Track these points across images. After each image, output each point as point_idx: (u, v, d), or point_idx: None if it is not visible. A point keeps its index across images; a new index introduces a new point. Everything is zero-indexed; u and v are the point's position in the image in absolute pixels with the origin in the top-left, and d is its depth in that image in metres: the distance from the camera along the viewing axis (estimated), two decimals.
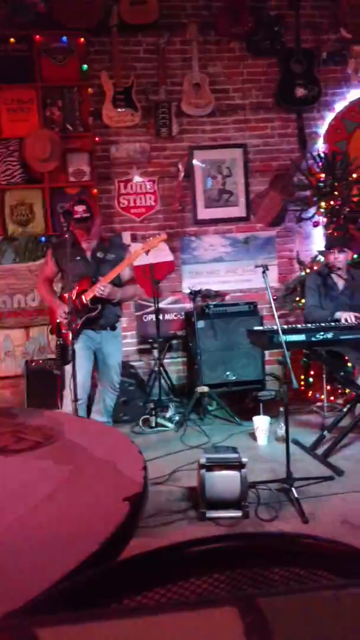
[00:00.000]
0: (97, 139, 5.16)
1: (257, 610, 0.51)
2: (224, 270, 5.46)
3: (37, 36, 4.94)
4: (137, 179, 5.31)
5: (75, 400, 3.33)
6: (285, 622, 0.49)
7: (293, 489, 3.11)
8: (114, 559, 1.01)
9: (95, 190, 5.14)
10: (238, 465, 2.99)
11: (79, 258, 3.78)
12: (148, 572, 0.66)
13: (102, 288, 3.67)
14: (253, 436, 4.24)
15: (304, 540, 0.70)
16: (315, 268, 4.85)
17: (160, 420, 4.63)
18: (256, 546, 0.77)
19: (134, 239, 5.26)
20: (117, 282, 3.80)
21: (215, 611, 0.51)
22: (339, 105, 5.50)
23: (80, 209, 3.69)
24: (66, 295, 3.58)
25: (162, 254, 5.21)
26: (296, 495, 3.07)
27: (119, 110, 5.14)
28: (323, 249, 4.58)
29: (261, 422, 4.18)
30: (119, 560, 0.75)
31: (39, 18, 4.95)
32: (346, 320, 3.99)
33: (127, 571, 0.66)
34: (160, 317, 5.04)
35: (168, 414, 4.69)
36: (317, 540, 0.67)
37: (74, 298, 3.67)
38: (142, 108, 5.21)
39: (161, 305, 5.10)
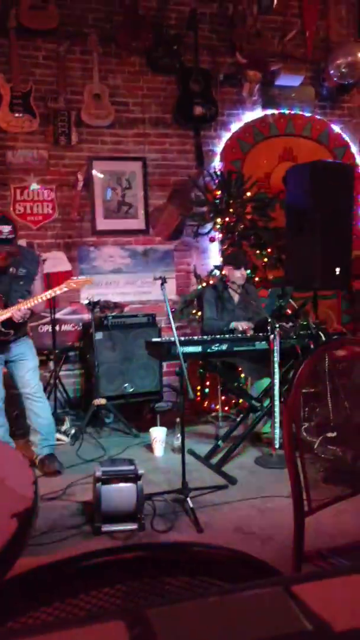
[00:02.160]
0: None
1: (145, 621, 0.50)
2: (123, 281, 5.46)
3: None
4: (34, 186, 5.18)
5: None
6: (173, 631, 0.49)
7: (188, 499, 3.14)
8: (1, 579, 0.96)
9: None
10: (134, 478, 2.97)
11: None
12: (33, 592, 0.64)
13: (18, 316, 3.56)
14: (150, 448, 4.25)
15: (193, 548, 0.71)
16: (212, 282, 4.98)
17: (55, 434, 4.51)
18: (146, 557, 0.77)
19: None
20: (28, 297, 3.69)
21: (101, 626, 0.50)
22: (235, 126, 5.73)
23: (5, 229, 3.41)
24: None
25: (59, 263, 5.11)
26: (191, 505, 3.11)
27: (16, 115, 5.00)
28: (222, 264, 4.72)
29: (158, 434, 4.20)
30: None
31: None
32: (243, 330, 4.14)
33: (9, 592, 0.63)
34: (57, 327, 4.92)
35: (64, 428, 4.58)
36: (206, 548, 0.68)
37: None
38: (41, 115, 5.10)
39: (58, 315, 4.98)
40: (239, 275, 4.41)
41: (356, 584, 0.48)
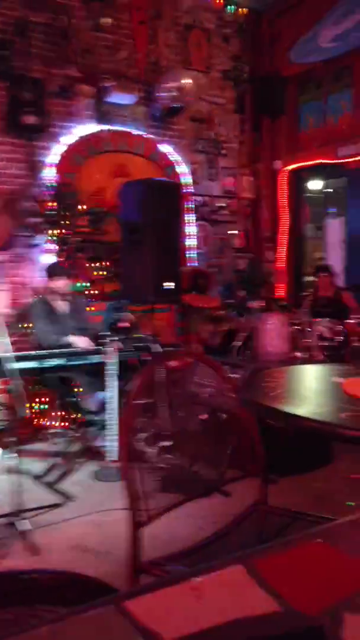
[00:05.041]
0: None
1: None
2: None
3: None
4: None
5: None
6: None
7: (22, 522, 3.01)
8: None
9: None
10: None
11: None
12: None
13: None
14: None
15: (24, 576, 0.68)
16: (41, 295, 4.88)
17: None
18: None
19: None
20: None
21: None
22: (69, 138, 5.68)
23: None
24: None
25: None
26: (26, 527, 2.98)
27: None
28: (48, 275, 4.67)
29: None
30: None
31: None
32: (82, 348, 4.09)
33: None
34: None
35: None
36: (38, 574, 0.65)
37: None
38: None
39: None
40: (60, 284, 4.43)
41: (184, 591, 0.50)
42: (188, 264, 6.25)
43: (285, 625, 0.47)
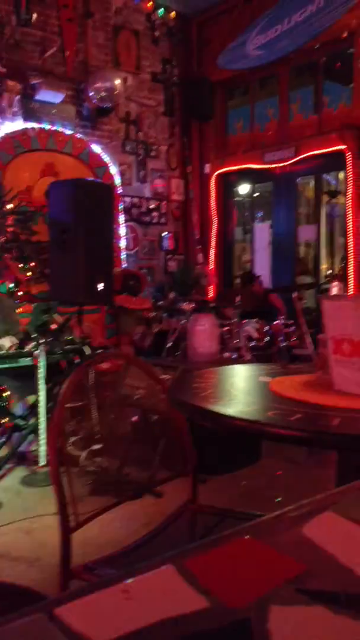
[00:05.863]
0: None
1: None
2: None
3: None
4: None
5: None
6: None
7: None
8: None
9: None
10: None
11: None
12: None
13: None
14: None
15: None
16: None
17: None
18: None
19: None
20: None
21: None
22: None
23: None
24: None
25: None
26: None
27: None
28: None
29: None
30: None
31: None
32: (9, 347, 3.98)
33: None
34: None
35: None
36: None
37: None
38: None
39: None
40: None
41: (114, 594, 0.50)
42: (119, 266, 6.23)
43: (213, 620, 0.48)
